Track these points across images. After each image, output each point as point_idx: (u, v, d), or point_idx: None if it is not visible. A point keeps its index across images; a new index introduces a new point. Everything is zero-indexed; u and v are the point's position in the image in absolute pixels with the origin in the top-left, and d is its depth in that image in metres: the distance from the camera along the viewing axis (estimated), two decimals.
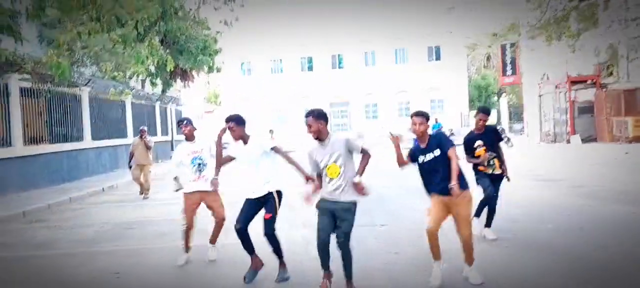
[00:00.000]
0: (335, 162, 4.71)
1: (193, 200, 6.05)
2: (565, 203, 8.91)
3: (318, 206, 4.80)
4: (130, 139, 22.22)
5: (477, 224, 6.52)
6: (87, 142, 18.06)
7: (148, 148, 12.30)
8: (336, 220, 4.72)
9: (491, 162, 6.49)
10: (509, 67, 34.60)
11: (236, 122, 5.25)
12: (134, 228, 8.61)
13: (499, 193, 6.63)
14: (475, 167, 6.55)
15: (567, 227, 7.08)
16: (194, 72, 27.67)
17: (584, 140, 23.81)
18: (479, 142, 6.47)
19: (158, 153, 25.49)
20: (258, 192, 5.22)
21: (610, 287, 4.77)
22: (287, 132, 35.92)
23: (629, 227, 7.04)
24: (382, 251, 6.25)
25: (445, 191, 4.85)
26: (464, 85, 43.49)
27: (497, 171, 6.51)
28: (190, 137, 6.12)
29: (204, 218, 6.48)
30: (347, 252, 4.69)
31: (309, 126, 4.75)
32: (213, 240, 6.21)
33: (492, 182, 6.49)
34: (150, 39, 16.97)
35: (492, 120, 35.88)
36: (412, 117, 5.08)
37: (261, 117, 42.03)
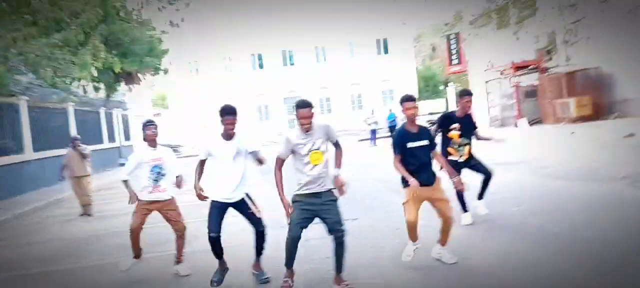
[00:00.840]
0: (319, 148, 4.51)
1: (146, 209, 5.59)
2: (533, 184, 9.06)
3: (296, 200, 4.59)
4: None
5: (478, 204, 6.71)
6: (28, 153, 17.01)
7: (84, 157, 10.89)
8: (317, 216, 4.54)
9: (461, 148, 6.42)
10: (454, 56, 35.38)
11: (235, 115, 4.86)
12: (94, 243, 8.07)
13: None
14: (444, 150, 6.46)
15: (536, 208, 7.16)
16: (139, 75, 26.74)
17: (531, 123, 24.62)
18: (456, 125, 6.38)
19: (105, 161, 24.47)
20: (234, 196, 4.90)
21: (590, 265, 4.79)
22: (239, 130, 35.29)
23: (600, 203, 7.18)
24: (364, 246, 6.09)
25: (427, 182, 4.89)
26: (413, 76, 44.17)
27: (462, 159, 6.44)
28: (152, 143, 5.59)
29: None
30: (344, 245, 4.56)
31: (305, 117, 4.45)
32: (180, 258, 5.69)
33: (460, 169, 6.40)
34: (93, 43, 16.16)
35: (440, 108, 36.37)
36: (403, 102, 4.90)
37: (211, 116, 41.15)
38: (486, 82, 29.15)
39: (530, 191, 8.46)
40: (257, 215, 4.99)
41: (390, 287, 4.73)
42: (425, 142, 4.92)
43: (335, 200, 4.59)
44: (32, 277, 6.42)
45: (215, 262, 5.11)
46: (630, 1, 18.71)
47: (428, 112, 37.40)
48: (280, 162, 4.60)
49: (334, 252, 4.58)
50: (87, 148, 11.19)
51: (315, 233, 6.88)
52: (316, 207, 4.52)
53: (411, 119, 4.88)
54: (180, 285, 5.38)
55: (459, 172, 6.29)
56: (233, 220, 5.25)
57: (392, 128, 23.06)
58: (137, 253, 5.69)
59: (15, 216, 11.73)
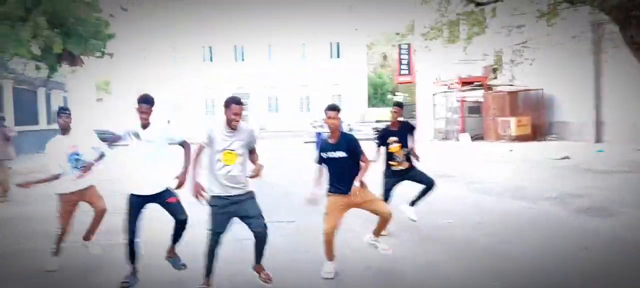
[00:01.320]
0: (234, 149, 4.47)
1: (71, 202, 5.43)
2: (467, 198, 9.35)
3: (211, 204, 4.51)
4: (10, 125, 20.16)
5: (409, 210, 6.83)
6: None
7: (7, 139, 10.31)
8: (236, 216, 4.54)
9: (399, 157, 6.55)
10: (404, 67, 36.08)
11: (150, 104, 4.82)
12: (8, 228, 7.69)
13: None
14: (387, 163, 6.58)
15: (466, 222, 7.38)
16: (83, 57, 25.71)
17: (473, 138, 25.39)
18: (393, 138, 6.51)
19: (41, 143, 23.37)
20: (154, 188, 4.79)
21: (513, 278, 4.98)
22: (183, 122, 34.61)
23: (526, 220, 7.48)
24: (289, 249, 6.08)
25: (346, 191, 4.98)
26: (364, 83, 44.73)
27: (403, 166, 6.59)
28: (65, 129, 5.44)
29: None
30: (265, 238, 4.61)
31: (236, 114, 4.43)
32: (89, 236, 5.68)
33: (401, 177, 6.57)
34: (34, 19, 15.44)
35: (387, 117, 36.72)
36: (326, 111, 4.96)
37: (157, 105, 40.11)
38: (433, 94, 29.84)
39: (462, 205, 8.72)
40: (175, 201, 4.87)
41: None
42: (342, 154, 4.95)
43: (252, 197, 4.60)
44: None
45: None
46: (575, 27, 19.64)
47: (375, 119, 37.95)
48: (200, 148, 4.58)
49: (255, 245, 4.63)
50: (13, 130, 10.65)
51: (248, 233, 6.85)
52: (232, 208, 4.48)
53: (332, 129, 4.95)
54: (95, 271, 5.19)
55: (397, 182, 6.57)
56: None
57: None
58: (58, 249, 5.47)
59: None
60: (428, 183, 6.67)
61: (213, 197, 4.49)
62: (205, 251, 4.53)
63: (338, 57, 43.59)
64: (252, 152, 4.65)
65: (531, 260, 5.42)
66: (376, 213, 5.11)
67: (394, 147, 6.49)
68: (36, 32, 15.64)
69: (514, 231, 6.78)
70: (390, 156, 6.54)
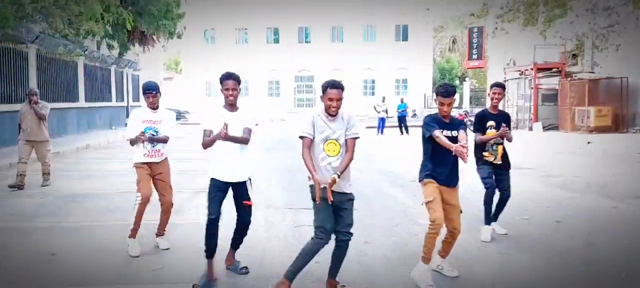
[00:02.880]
0: (337, 138, 4.02)
1: (144, 170, 5.30)
2: (543, 193, 8.62)
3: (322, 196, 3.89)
4: (82, 102, 21.02)
5: (487, 230, 5.83)
6: None
7: (40, 118, 8.98)
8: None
9: (494, 148, 5.89)
10: (475, 51, 34.65)
11: (238, 80, 4.49)
12: (78, 202, 7.80)
13: (510, 185, 5.94)
14: (478, 152, 5.91)
15: (544, 220, 6.74)
16: (154, 37, 26.42)
17: (545, 128, 24.00)
18: (491, 122, 5.76)
19: (112, 119, 24.30)
20: (238, 176, 4.48)
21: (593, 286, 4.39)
22: (250, 105, 35.02)
23: (612, 221, 6.75)
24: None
25: (448, 182, 4.41)
26: (429, 67, 43.44)
27: (498, 161, 5.93)
28: (153, 107, 5.31)
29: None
30: (346, 250, 4.12)
31: (334, 100, 3.96)
32: (161, 231, 5.45)
33: (494, 172, 5.86)
34: None
35: (455, 103, 35.85)
36: (439, 96, 4.34)
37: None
38: (505, 80, 28.45)
39: (539, 200, 8.02)
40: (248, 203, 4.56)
41: None
42: (456, 134, 4.38)
43: (351, 200, 4.10)
44: (8, 230, 6.15)
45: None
46: None
47: None
48: (307, 141, 4.01)
49: (333, 253, 4.14)
50: (47, 106, 9.23)
51: (310, 219, 6.57)
52: (336, 199, 3.93)
53: (446, 114, 4.40)
54: (167, 258, 5.06)
55: (492, 177, 5.79)
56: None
57: (401, 118, 22.52)
58: (136, 229, 5.28)
59: (11, 165, 11.50)
60: (504, 193, 5.90)
61: (311, 185, 4.00)
62: (304, 250, 4.05)
63: (405, 39, 42.49)
64: (351, 142, 4.05)
65: (620, 267, 4.78)
66: (450, 221, 4.45)
67: (490, 132, 5.75)
68: (107, 7, 16.05)
69: (599, 233, 6.07)
70: (483, 145, 5.85)
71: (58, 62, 19.00)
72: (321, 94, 4.09)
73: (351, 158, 4.01)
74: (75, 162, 12.90)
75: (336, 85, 4.00)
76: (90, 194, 8.38)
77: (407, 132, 21.84)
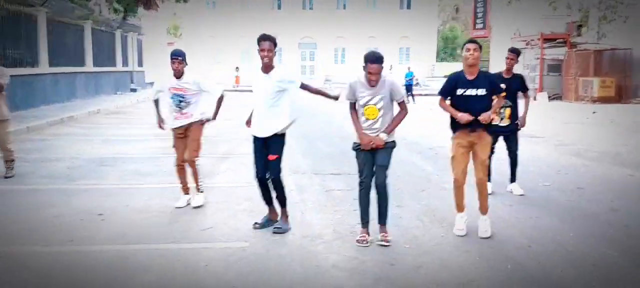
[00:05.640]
0: (375, 103, 4.42)
1: (177, 135, 5.66)
2: (559, 161, 8.83)
3: (355, 147, 4.60)
4: (90, 67, 20.96)
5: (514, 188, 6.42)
6: (44, 67, 16.78)
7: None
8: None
9: (502, 111, 6.08)
10: (479, 21, 34.46)
11: (274, 44, 4.70)
12: (108, 165, 7.97)
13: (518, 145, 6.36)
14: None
15: (565, 186, 6.95)
16: (158, 0, 26.20)
17: (550, 98, 24.14)
18: (502, 86, 5.99)
19: (118, 84, 24.26)
20: (265, 131, 4.73)
21: (627, 247, 4.61)
22: (252, 69, 34.91)
23: (630, 188, 6.95)
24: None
25: (475, 126, 4.69)
26: (433, 36, 43.23)
27: (505, 123, 6.15)
28: (178, 75, 5.44)
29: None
30: (386, 193, 4.57)
31: (373, 74, 4.36)
32: (196, 187, 5.73)
33: (498, 135, 6.13)
34: None
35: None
36: (366, 61, 4.46)
37: (226, 53, 40.64)
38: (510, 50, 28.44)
39: (556, 168, 8.23)
40: (280, 154, 4.78)
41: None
42: (483, 92, 4.72)
43: (391, 147, 4.57)
44: (50, 191, 6.32)
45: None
46: None
47: (444, 74, 36.75)
48: (351, 105, 4.59)
49: (377, 202, 4.57)
50: (6, 74, 7.04)
51: (339, 184, 6.78)
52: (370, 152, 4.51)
53: (472, 64, 4.70)
54: (205, 218, 5.25)
55: (497, 138, 6.07)
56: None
57: (408, 87, 22.61)
58: (186, 188, 5.77)
59: (30, 129, 11.63)
60: (512, 152, 6.28)
61: (354, 142, 4.58)
62: (358, 199, 4.65)
63: (408, 7, 42.16)
64: (400, 104, 4.56)
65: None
66: (475, 171, 4.80)
67: (500, 94, 5.97)
68: None
69: (621, 199, 6.28)
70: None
71: (67, 27, 18.91)
72: (363, 64, 4.42)
73: (403, 117, 4.56)
74: (91, 126, 13.02)
75: (377, 60, 4.34)
76: (118, 158, 8.55)
77: (413, 100, 21.97)
